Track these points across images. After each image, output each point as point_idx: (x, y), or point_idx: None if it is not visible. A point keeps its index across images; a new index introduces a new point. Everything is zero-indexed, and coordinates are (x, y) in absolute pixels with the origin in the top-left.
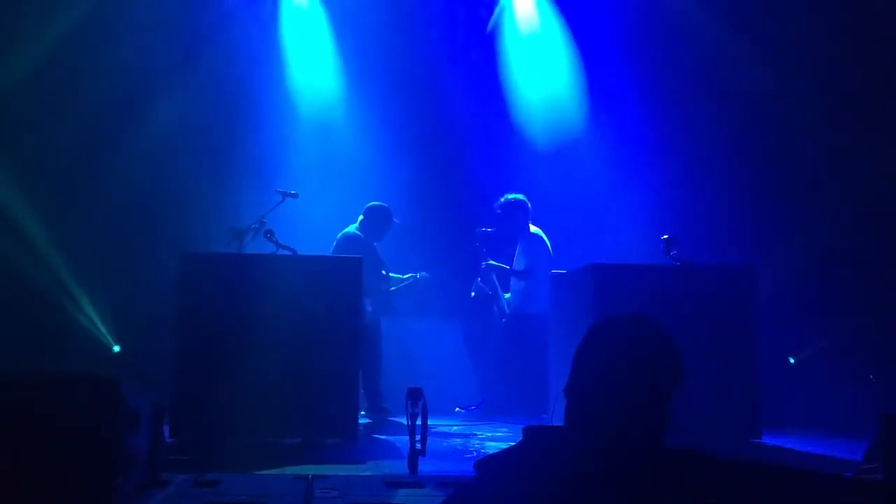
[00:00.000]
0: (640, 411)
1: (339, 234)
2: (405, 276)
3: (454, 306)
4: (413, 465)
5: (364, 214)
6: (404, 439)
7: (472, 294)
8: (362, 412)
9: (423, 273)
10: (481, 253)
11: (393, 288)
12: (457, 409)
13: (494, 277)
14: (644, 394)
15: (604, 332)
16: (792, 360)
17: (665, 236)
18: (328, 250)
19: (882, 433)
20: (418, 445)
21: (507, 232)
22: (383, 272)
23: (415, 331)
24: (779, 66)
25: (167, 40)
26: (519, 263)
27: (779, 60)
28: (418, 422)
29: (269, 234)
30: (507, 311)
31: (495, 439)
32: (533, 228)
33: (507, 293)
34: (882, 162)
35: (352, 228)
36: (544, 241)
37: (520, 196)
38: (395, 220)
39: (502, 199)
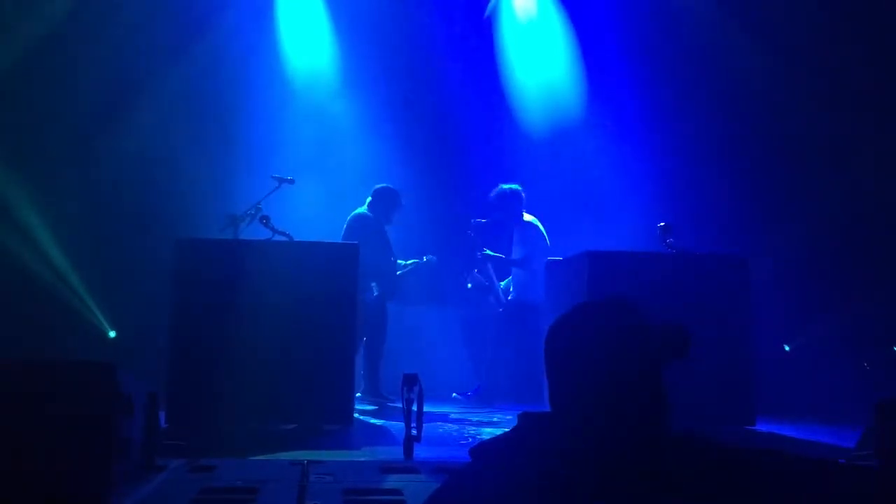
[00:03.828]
0: (620, 391)
1: (350, 216)
2: (408, 262)
3: (452, 294)
4: (408, 450)
5: (372, 196)
6: (400, 425)
7: (469, 286)
8: (358, 394)
9: (431, 256)
10: (476, 244)
11: (399, 272)
12: (454, 395)
13: (490, 268)
14: (619, 374)
15: (574, 318)
16: (787, 348)
17: (661, 224)
18: (325, 236)
19: (876, 420)
20: (414, 431)
21: (502, 222)
22: (392, 258)
23: (412, 317)
24: (776, 50)
25: (162, 25)
26: (516, 252)
27: (775, 45)
28: (414, 408)
29: (265, 220)
30: (504, 300)
31: (491, 425)
32: (527, 217)
33: (503, 282)
34: (878, 149)
35: (362, 209)
36: (539, 229)
37: (515, 186)
38: (402, 202)
39: (497, 190)
